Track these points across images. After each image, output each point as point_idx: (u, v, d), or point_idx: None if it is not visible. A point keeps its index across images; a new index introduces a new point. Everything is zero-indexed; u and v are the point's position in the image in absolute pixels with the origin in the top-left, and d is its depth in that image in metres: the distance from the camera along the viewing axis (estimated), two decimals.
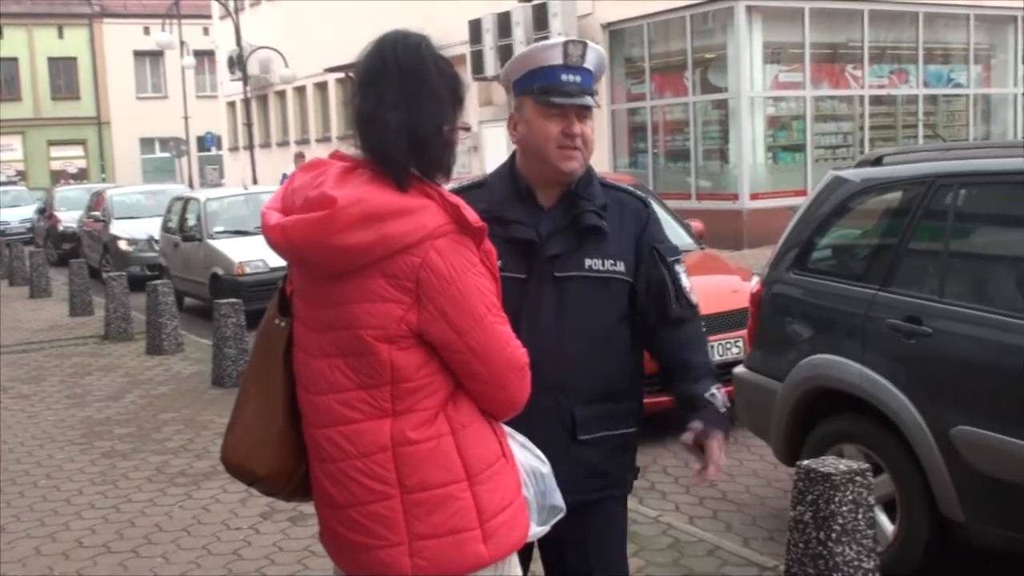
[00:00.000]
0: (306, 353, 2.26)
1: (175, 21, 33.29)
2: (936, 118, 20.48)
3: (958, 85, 20.64)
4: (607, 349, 2.73)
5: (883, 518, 4.51)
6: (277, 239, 2.21)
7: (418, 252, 2.12)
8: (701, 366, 2.83)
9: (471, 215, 2.19)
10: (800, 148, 18.60)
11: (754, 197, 17.60)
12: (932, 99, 20.40)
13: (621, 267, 2.75)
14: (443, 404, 2.21)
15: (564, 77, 2.71)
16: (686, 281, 2.83)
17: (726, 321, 6.89)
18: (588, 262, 2.72)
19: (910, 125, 19.87)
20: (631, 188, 2.92)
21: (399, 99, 2.20)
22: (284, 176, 9.93)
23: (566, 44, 2.73)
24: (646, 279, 2.77)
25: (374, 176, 2.18)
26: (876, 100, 19.61)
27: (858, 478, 3.60)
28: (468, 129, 2.35)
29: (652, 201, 8.27)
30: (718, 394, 2.79)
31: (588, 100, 2.71)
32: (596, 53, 2.77)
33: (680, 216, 9.58)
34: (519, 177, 2.78)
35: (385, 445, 2.18)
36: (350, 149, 2.29)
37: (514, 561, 2.35)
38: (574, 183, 2.75)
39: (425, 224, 2.13)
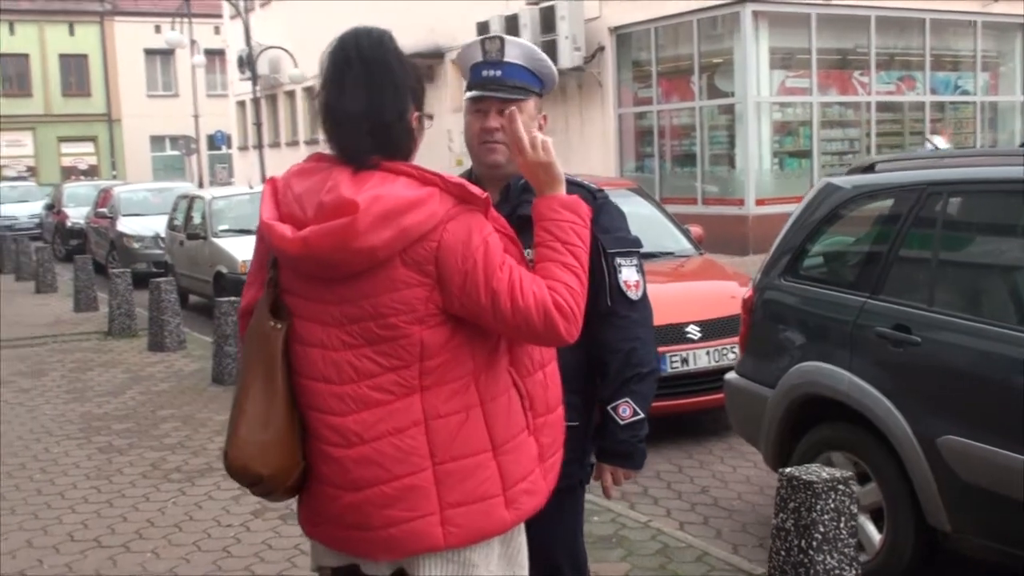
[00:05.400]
0: (324, 348, 2.31)
1: (186, 20, 33.34)
2: (943, 125, 20.42)
3: (965, 92, 20.58)
4: None
5: (870, 526, 4.52)
6: (298, 251, 2.26)
7: (434, 237, 2.22)
8: (615, 375, 2.87)
9: (475, 189, 2.28)
10: (806, 154, 18.57)
11: (760, 203, 17.57)
12: (939, 106, 20.36)
13: None
14: (472, 376, 2.32)
15: (484, 73, 2.82)
16: (631, 275, 2.86)
17: (723, 327, 6.90)
18: (528, 252, 2.78)
19: (917, 132, 19.83)
20: (584, 182, 2.96)
21: (361, 90, 2.29)
22: None
23: (483, 40, 2.84)
24: (588, 271, 2.81)
25: (385, 175, 2.27)
26: (883, 107, 19.58)
27: (840, 486, 3.59)
28: (431, 117, 2.43)
29: (651, 204, 8.42)
30: (624, 407, 2.86)
31: (507, 93, 2.78)
32: (518, 47, 2.83)
33: (685, 221, 9.63)
34: (474, 174, 2.92)
35: (418, 420, 2.28)
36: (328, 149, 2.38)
37: (522, 526, 2.50)
38: (518, 177, 2.81)
39: (436, 212, 2.23)
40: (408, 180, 2.26)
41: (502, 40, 2.83)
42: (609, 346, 2.87)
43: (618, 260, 2.86)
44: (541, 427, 2.46)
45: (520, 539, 2.51)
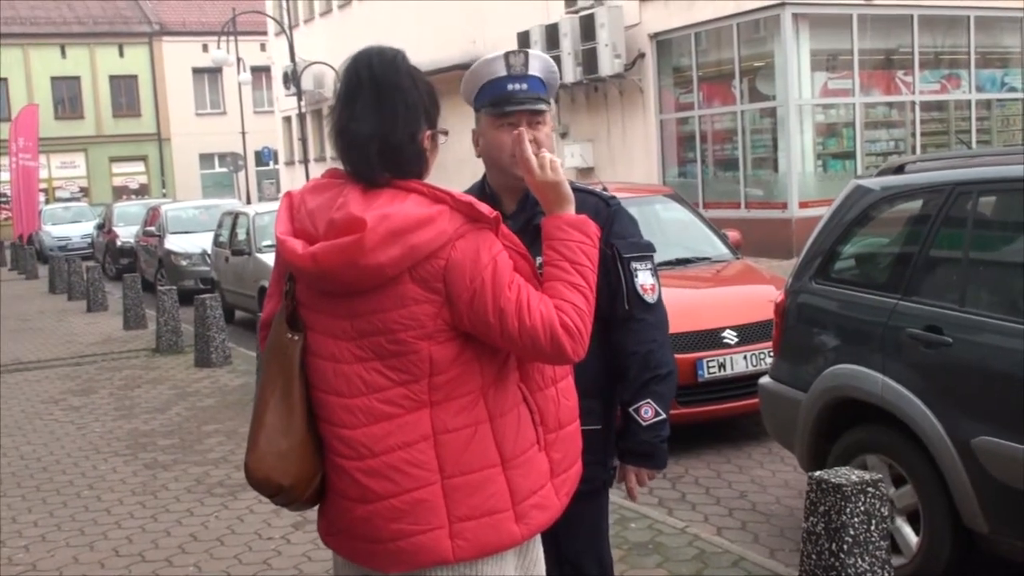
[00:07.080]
0: (336, 361, 2.34)
1: (232, 38, 33.72)
2: (990, 123, 20.15)
3: (1012, 89, 20.28)
4: None
5: (907, 529, 4.49)
6: (307, 266, 2.30)
7: (442, 254, 2.24)
8: (635, 378, 2.92)
9: (484, 208, 2.30)
10: (850, 155, 18.41)
11: (803, 205, 17.43)
12: (986, 104, 20.09)
13: None
14: (481, 392, 2.33)
15: (511, 87, 2.83)
16: (647, 279, 2.91)
17: (760, 331, 6.86)
18: (539, 260, 2.80)
19: (963, 131, 19.59)
20: (596, 190, 3.02)
21: (371, 112, 2.32)
22: None
23: (507, 55, 2.86)
24: (604, 276, 2.82)
25: (395, 192, 2.29)
26: (928, 106, 19.36)
27: (870, 489, 3.58)
28: (445, 133, 2.45)
29: (688, 210, 8.43)
30: (645, 408, 2.90)
31: (536, 104, 2.82)
32: (540, 60, 2.88)
33: (729, 225, 9.64)
34: (488, 187, 2.96)
35: (427, 434, 2.30)
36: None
37: (538, 538, 2.51)
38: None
39: (445, 230, 2.25)
40: (418, 198, 2.28)
41: (527, 54, 2.86)
42: (627, 349, 2.91)
43: (634, 264, 2.90)
44: (553, 442, 2.46)
45: (536, 551, 2.51)
